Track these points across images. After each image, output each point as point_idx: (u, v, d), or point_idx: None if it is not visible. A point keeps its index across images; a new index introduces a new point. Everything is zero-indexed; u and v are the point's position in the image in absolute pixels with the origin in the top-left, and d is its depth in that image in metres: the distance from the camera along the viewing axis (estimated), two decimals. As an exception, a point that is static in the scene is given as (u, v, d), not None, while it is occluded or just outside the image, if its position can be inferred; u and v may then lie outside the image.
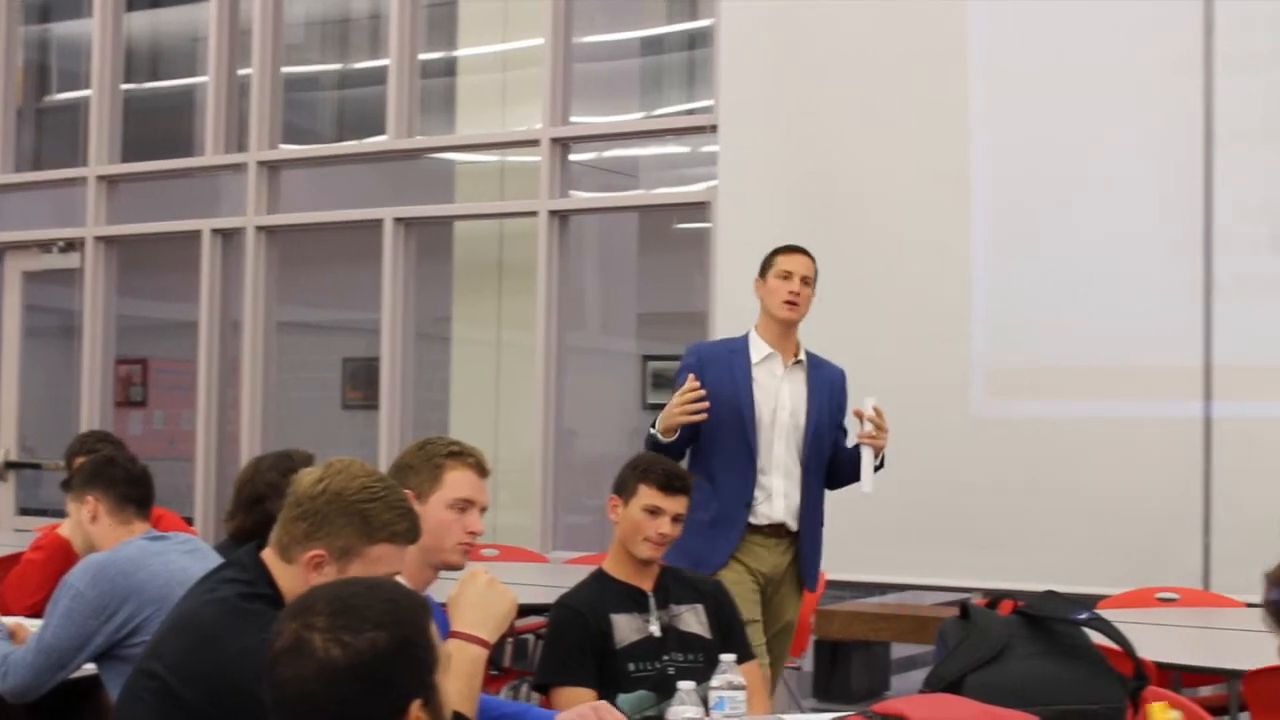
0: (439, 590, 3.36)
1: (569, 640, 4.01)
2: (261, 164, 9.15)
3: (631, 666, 4.00)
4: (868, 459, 5.10)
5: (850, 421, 5.28)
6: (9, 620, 4.34)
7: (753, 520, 5.16)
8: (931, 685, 3.27)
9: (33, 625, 4.16)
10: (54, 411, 9.95)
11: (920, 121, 7.00)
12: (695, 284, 8.14)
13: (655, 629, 4.08)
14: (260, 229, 9.12)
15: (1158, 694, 3.45)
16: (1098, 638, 3.35)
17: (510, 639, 6.30)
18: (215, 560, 3.73)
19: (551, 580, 5.78)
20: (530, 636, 6.55)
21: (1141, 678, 3.31)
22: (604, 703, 3.49)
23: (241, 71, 9.38)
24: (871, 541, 6.54)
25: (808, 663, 7.65)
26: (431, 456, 3.53)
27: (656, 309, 10.19)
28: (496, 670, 6.00)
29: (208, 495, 9.18)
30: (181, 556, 4.00)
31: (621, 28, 9.66)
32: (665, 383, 9.34)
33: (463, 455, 3.55)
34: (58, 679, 3.92)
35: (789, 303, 5.19)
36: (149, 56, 10.99)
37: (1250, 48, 6.38)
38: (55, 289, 9.95)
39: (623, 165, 9.46)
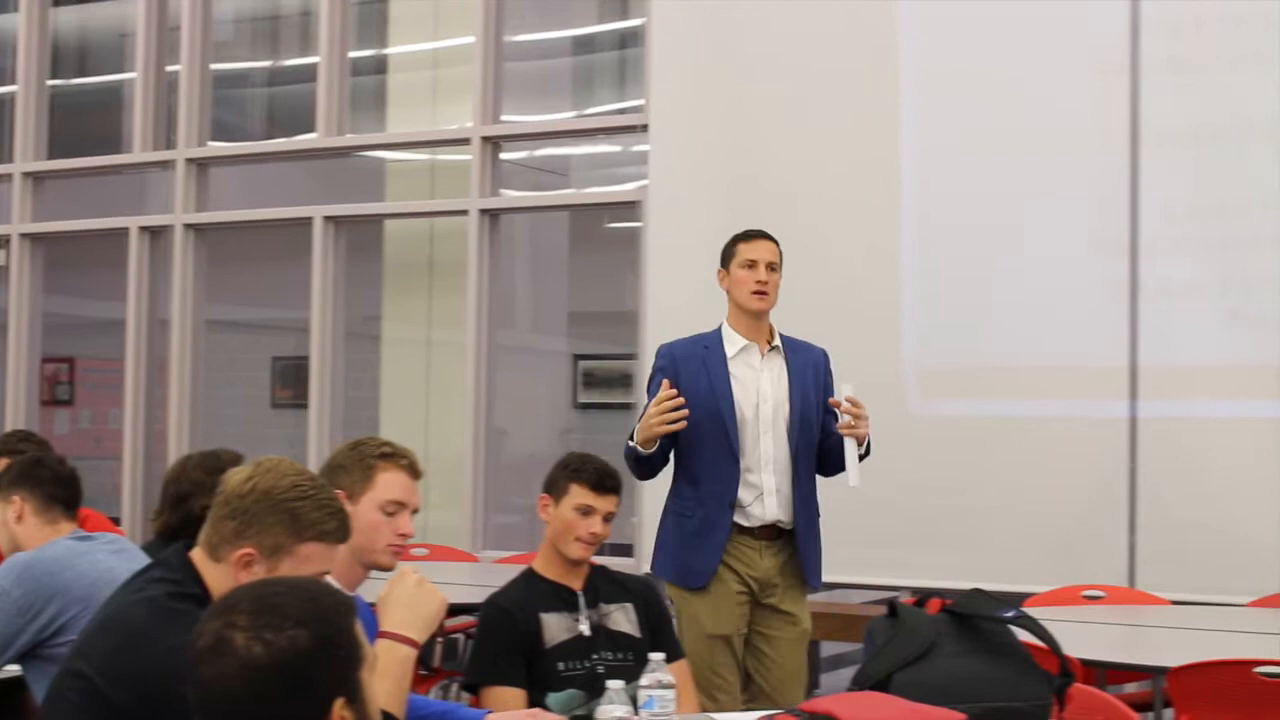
0: (369, 590, 3.35)
1: (498, 640, 3.99)
2: (190, 161, 9.09)
3: (561, 665, 3.99)
4: (851, 450, 4.84)
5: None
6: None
7: (744, 523, 4.95)
8: (859, 683, 3.28)
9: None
10: (-22, 410, 9.84)
11: (850, 122, 7.03)
12: (626, 283, 8.15)
13: (585, 628, 4.07)
14: (188, 227, 9.05)
15: (1082, 690, 3.49)
16: (1025, 635, 3.38)
17: (439, 639, 6.28)
18: (142, 560, 3.69)
19: (481, 580, 5.77)
20: (460, 636, 6.53)
21: (1067, 675, 3.33)
22: (541, 710, 3.49)
23: (170, 68, 9.32)
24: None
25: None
26: (364, 457, 3.51)
27: (587, 308, 10.19)
28: (426, 670, 5.97)
29: (135, 494, 9.11)
30: (108, 556, 3.96)
31: (552, 26, 9.65)
32: (596, 382, 9.34)
33: (395, 457, 3.53)
34: (-18, 678, 3.89)
35: (758, 293, 4.99)
36: (76, 52, 10.87)
37: (1176, 51, 6.44)
38: (-20, 286, 9.84)
39: (554, 164, 9.46)
